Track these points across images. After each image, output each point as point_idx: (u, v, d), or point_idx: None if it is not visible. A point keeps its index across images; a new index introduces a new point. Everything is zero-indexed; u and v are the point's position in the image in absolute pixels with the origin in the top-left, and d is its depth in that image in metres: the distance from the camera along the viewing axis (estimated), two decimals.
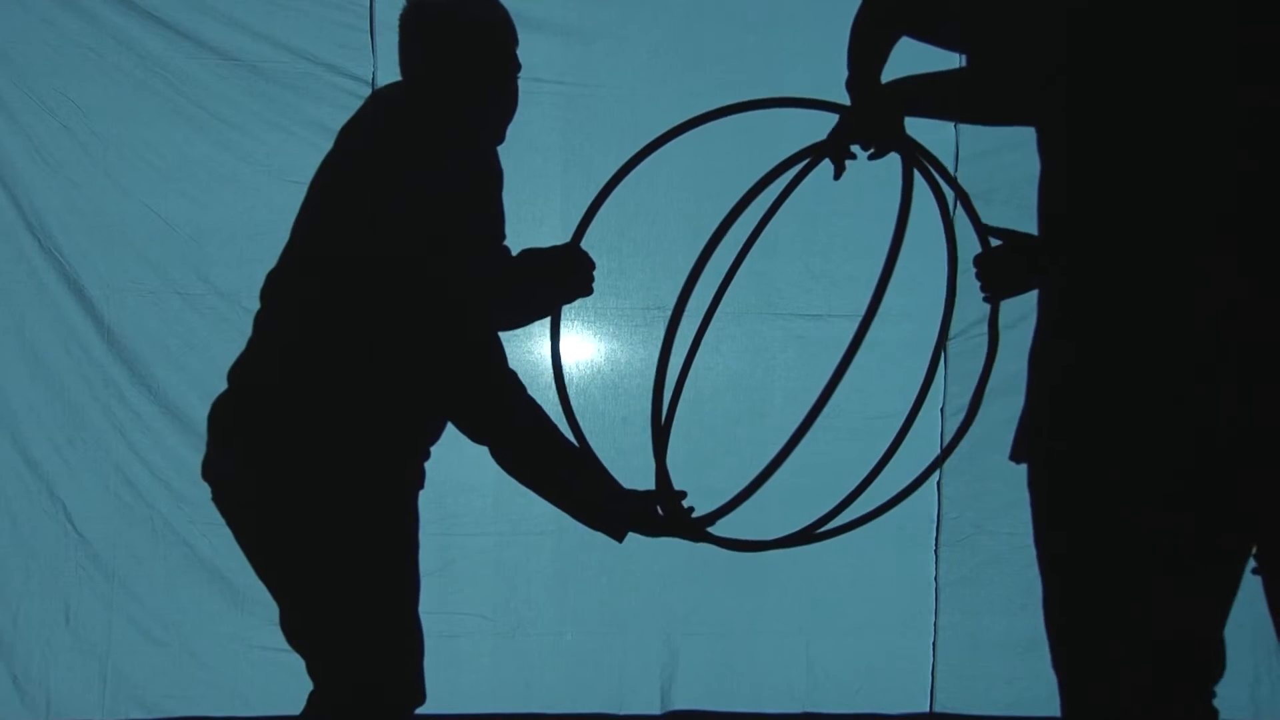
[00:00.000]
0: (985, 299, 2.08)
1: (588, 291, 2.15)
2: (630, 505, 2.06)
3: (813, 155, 2.05)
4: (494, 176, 1.99)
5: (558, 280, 2.11)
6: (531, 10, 3.08)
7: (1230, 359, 1.63)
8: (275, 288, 2.01)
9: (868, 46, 1.97)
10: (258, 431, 1.92)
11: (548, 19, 3.10)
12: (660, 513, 2.08)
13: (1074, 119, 1.76)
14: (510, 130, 3.13)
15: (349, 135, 2.01)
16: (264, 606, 3.07)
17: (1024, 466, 1.89)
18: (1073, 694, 1.83)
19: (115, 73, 3.00)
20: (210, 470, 1.99)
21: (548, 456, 2.00)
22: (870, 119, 1.99)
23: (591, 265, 2.13)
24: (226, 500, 1.97)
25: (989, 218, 2.06)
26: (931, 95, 2.02)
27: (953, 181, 2.06)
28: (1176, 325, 1.64)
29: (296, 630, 1.96)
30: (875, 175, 3.05)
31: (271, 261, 3.17)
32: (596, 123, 3.12)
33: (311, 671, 1.97)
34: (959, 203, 2.07)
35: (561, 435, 2.03)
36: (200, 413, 3.04)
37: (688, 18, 3.15)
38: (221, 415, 1.99)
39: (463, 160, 1.93)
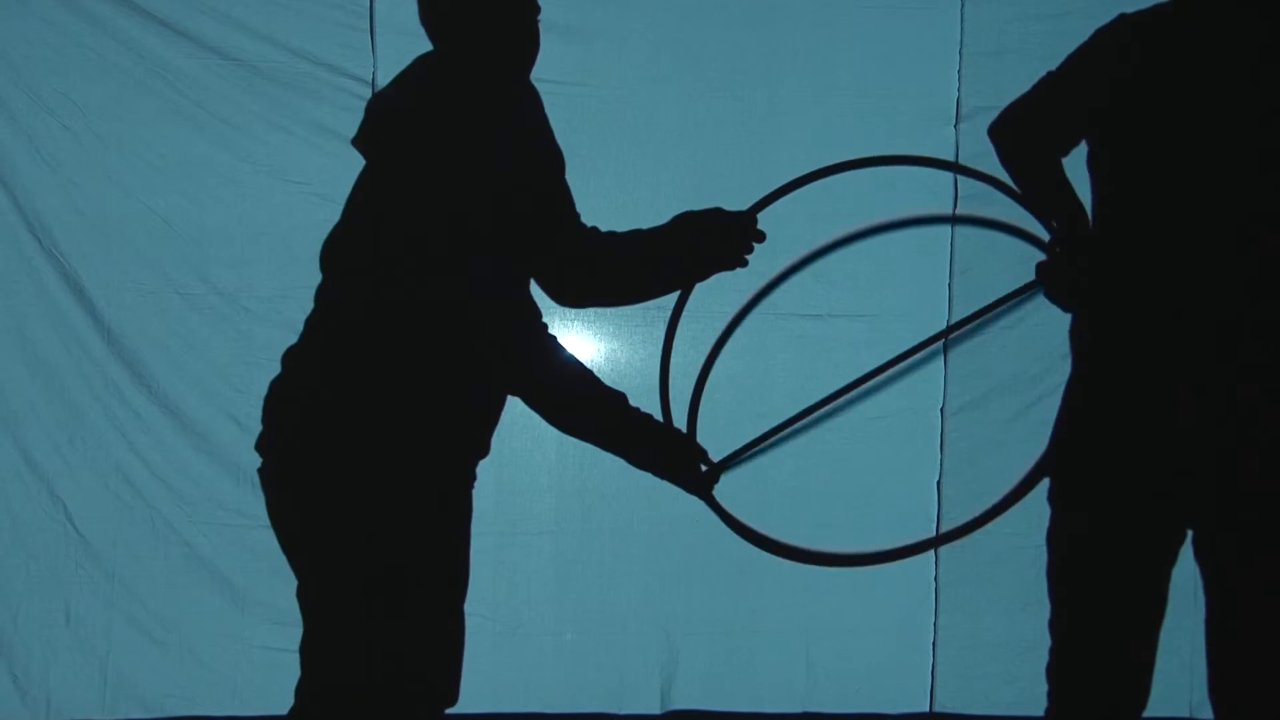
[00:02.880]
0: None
1: (743, 262, 2.08)
2: (673, 445, 2.01)
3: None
4: (547, 143, 1.97)
5: (724, 243, 2.04)
6: None
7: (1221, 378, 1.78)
8: (336, 275, 1.95)
9: (1045, 192, 1.96)
10: (313, 426, 1.89)
11: (548, 19, 3.07)
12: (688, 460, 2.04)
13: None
14: None
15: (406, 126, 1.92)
16: (264, 606, 3.09)
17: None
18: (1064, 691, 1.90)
19: (115, 73, 3.00)
20: (263, 445, 1.96)
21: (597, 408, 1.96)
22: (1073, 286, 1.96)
23: (759, 237, 2.07)
24: (277, 484, 1.94)
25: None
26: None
27: None
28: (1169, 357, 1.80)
29: (319, 630, 1.94)
30: (874, 175, 3.05)
31: (272, 261, 3.17)
32: (596, 123, 3.11)
33: (311, 653, 1.94)
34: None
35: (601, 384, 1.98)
36: (200, 413, 3.08)
37: (688, 17, 3.14)
38: (277, 400, 1.96)
39: (517, 134, 1.91)
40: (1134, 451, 1.83)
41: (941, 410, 3.17)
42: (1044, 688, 1.97)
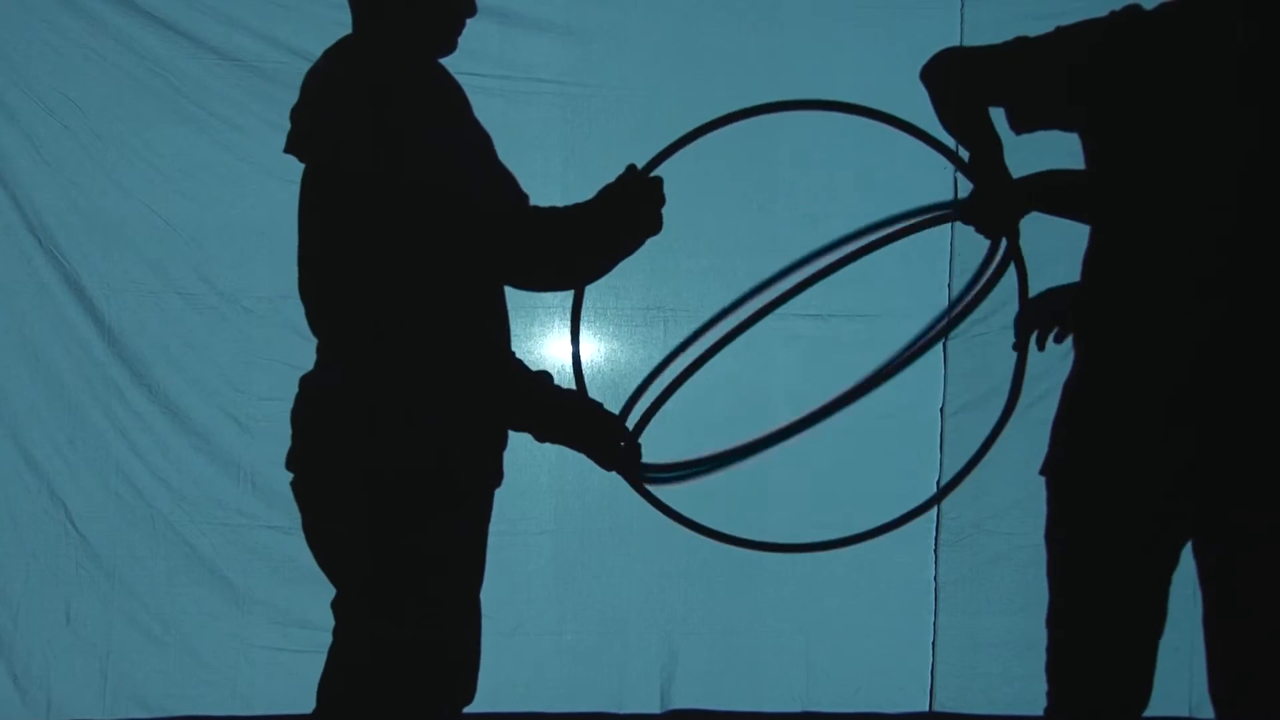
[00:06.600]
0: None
1: (657, 228, 2.14)
2: (598, 423, 2.04)
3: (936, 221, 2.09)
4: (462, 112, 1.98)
5: (630, 212, 2.11)
6: (532, 10, 3.08)
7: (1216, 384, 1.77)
8: (311, 294, 2.00)
9: (966, 130, 1.98)
10: (335, 431, 1.92)
11: (548, 19, 3.10)
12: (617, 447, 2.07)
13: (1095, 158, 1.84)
14: (510, 130, 3.09)
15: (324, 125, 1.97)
16: (264, 606, 3.09)
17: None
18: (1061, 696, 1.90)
19: (115, 73, 3.00)
20: (292, 461, 1.99)
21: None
22: (991, 214, 1.98)
23: (662, 198, 2.12)
24: (309, 493, 1.97)
25: None
26: (1063, 198, 2.02)
27: (1021, 270, 2.07)
28: (1168, 356, 1.79)
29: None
30: (876, 175, 3.05)
31: (272, 261, 3.17)
32: (596, 123, 3.12)
33: (344, 653, 1.95)
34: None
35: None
36: (200, 413, 3.08)
37: (688, 18, 3.14)
38: (299, 413, 2.00)
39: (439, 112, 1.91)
40: (1136, 451, 1.83)
41: (941, 410, 3.17)
42: (1043, 687, 1.97)
